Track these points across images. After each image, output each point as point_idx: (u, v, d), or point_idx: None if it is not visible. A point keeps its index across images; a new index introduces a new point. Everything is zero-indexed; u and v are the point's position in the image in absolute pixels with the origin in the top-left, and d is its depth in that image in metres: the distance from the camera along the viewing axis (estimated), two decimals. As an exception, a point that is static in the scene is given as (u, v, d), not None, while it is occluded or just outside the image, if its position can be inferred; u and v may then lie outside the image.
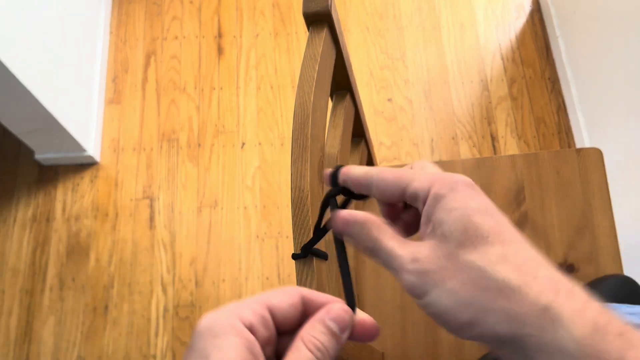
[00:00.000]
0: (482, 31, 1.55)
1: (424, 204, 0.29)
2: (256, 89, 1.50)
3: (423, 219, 0.29)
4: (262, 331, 0.27)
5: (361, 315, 0.30)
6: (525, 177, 0.79)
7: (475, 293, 0.26)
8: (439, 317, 0.27)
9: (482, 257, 0.26)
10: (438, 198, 0.28)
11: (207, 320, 0.26)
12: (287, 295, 0.29)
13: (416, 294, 0.27)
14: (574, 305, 0.24)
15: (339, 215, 0.31)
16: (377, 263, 0.30)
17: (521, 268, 0.25)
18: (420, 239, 0.30)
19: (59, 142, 1.32)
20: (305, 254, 0.40)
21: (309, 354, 0.27)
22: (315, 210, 0.42)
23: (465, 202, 0.28)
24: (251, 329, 0.26)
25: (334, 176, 0.33)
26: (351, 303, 0.30)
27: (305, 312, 0.29)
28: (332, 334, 0.28)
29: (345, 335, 0.29)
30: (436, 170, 0.32)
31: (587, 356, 0.23)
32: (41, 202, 1.38)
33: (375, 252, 0.30)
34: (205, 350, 0.25)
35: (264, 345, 0.27)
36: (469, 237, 0.27)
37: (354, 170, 0.32)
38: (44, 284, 1.30)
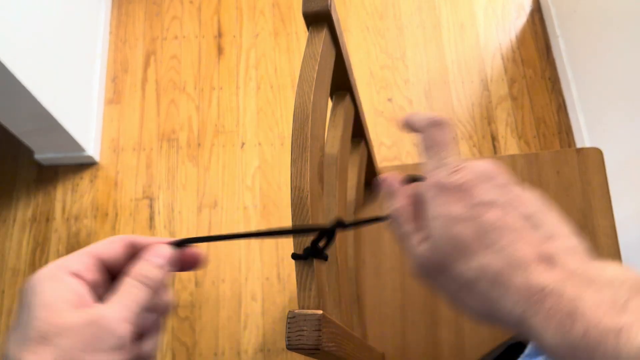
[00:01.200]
0: (482, 31, 1.55)
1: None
2: (256, 89, 1.50)
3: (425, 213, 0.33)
4: (89, 275, 0.30)
5: (190, 250, 0.35)
6: (525, 177, 0.79)
7: (463, 296, 0.29)
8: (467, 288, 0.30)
9: (466, 270, 0.28)
10: (425, 201, 0.31)
11: (31, 277, 0.30)
12: (113, 242, 0.33)
13: (429, 274, 0.31)
14: (545, 312, 0.25)
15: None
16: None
17: (496, 280, 0.27)
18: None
19: (59, 142, 1.32)
20: (307, 255, 0.40)
21: (132, 281, 0.31)
22: (315, 210, 0.42)
23: (446, 209, 0.29)
24: (78, 274, 0.30)
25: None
26: (177, 243, 0.34)
27: (136, 254, 0.33)
28: (154, 265, 0.32)
29: (164, 267, 0.33)
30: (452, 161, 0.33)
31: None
32: (41, 202, 1.38)
33: (404, 222, 0.33)
34: (27, 300, 0.29)
35: (95, 287, 0.31)
36: (453, 249, 0.29)
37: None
38: (43, 284, 1.30)
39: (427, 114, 0.33)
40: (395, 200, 0.34)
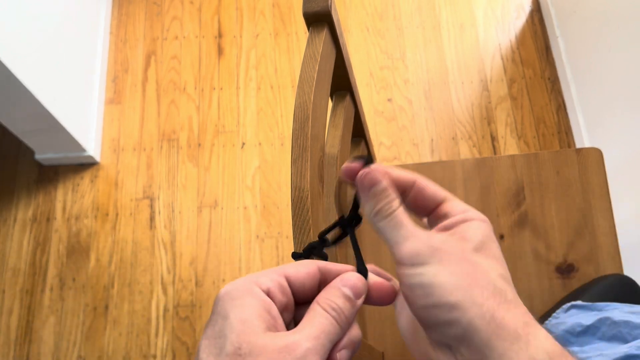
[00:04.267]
0: (482, 31, 1.55)
1: (449, 219, 0.31)
2: (256, 89, 1.50)
3: (440, 227, 0.31)
4: (279, 296, 0.29)
5: (376, 279, 0.32)
6: (525, 177, 0.79)
7: (473, 285, 0.27)
8: (424, 288, 0.27)
9: (490, 266, 0.28)
10: (468, 219, 0.31)
11: (227, 287, 0.28)
12: (304, 265, 0.30)
13: (416, 260, 0.28)
14: (547, 333, 0.27)
15: (381, 167, 0.32)
16: (378, 228, 0.31)
17: (514, 293, 0.28)
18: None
19: (59, 142, 1.32)
20: (307, 255, 0.40)
21: (325, 314, 0.28)
22: (315, 210, 0.42)
23: (489, 232, 0.30)
24: (268, 294, 0.28)
25: (367, 163, 0.33)
26: (362, 271, 0.31)
27: (322, 282, 0.31)
28: (347, 298, 0.29)
29: (360, 301, 0.30)
30: None
31: None
32: (41, 202, 1.38)
33: (388, 215, 0.31)
34: (224, 311, 0.27)
35: (281, 310, 0.29)
36: (484, 248, 0.29)
37: (395, 170, 0.33)
38: (44, 283, 1.30)
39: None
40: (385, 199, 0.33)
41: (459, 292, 0.27)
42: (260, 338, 0.26)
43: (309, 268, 0.30)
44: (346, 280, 0.30)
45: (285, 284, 0.29)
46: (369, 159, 0.32)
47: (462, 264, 0.28)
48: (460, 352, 0.27)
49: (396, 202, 0.31)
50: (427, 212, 0.33)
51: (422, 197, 0.32)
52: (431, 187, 0.32)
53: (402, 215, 0.31)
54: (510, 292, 0.28)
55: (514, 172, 0.79)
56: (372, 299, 0.32)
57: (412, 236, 0.30)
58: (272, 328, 0.27)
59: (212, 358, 0.26)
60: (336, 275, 0.31)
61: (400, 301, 0.32)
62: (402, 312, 0.33)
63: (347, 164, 0.32)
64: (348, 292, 0.30)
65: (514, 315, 0.27)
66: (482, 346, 0.26)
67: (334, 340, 0.28)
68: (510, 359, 0.25)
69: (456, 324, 0.26)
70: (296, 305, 0.30)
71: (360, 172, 0.32)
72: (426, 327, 0.28)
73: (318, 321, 0.28)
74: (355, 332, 0.30)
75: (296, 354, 0.26)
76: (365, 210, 0.32)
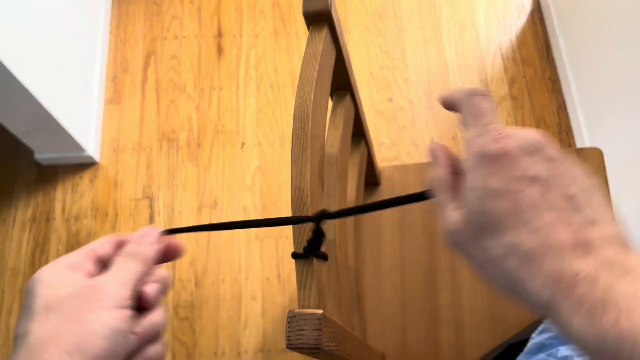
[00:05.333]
0: (482, 31, 1.55)
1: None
2: (256, 89, 1.50)
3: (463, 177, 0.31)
4: (85, 267, 0.34)
5: (171, 241, 0.38)
6: (525, 177, 0.78)
7: (488, 266, 0.28)
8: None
9: (496, 246, 0.27)
10: (465, 170, 0.30)
11: (33, 276, 0.33)
12: (105, 239, 0.36)
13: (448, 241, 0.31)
14: (575, 298, 0.24)
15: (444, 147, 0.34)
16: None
17: (527, 260, 0.26)
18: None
19: (59, 142, 1.32)
20: (307, 254, 0.40)
21: (123, 258, 0.34)
22: (315, 210, 0.42)
23: (484, 181, 0.28)
24: (75, 266, 0.33)
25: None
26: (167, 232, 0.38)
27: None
28: (138, 242, 0.36)
29: (151, 242, 0.36)
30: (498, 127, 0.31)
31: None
32: (41, 202, 1.38)
33: (442, 190, 0.32)
34: (31, 290, 0.32)
35: (91, 276, 0.33)
36: (486, 223, 0.28)
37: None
38: (43, 284, 1.30)
39: (465, 88, 0.32)
40: (437, 169, 0.33)
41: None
42: (67, 290, 0.31)
43: (111, 240, 0.36)
44: (139, 232, 0.37)
45: (90, 256, 0.35)
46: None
47: (475, 250, 0.30)
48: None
49: (448, 178, 0.33)
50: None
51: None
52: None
53: (446, 192, 0.33)
54: (520, 266, 0.27)
55: (514, 172, 0.79)
56: (165, 255, 0.38)
57: (446, 220, 0.32)
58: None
59: (24, 323, 0.30)
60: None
61: None
62: None
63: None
64: (142, 239, 0.36)
65: (531, 294, 0.27)
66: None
67: (139, 275, 0.34)
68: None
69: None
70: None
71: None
72: None
73: (117, 264, 0.34)
74: (162, 271, 0.36)
75: (101, 286, 0.32)
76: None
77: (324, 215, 0.40)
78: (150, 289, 0.34)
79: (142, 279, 0.34)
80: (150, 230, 0.37)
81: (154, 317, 0.34)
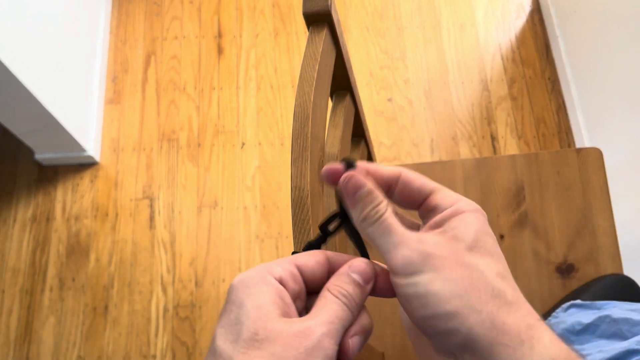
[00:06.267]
0: (482, 31, 1.55)
1: (440, 214, 0.30)
2: (256, 89, 1.50)
3: (431, 224, 0.30)
4: (291, 284, 0.29)
5: (382, 266, 0.31)
6: (525, 177, 0.79)
7: (470, 290, 0.26)
8: (420, 299, 0.27)
9: (487, 265, 0.27)
10: (459, 212, 0.29)
11: (240, 276, 0.29)
12: (313, 255, 0.31)
13: (408, 270, 0.27)
14: (553, 335, 0.26)
15: (364, 166, 0.31)
16: (367, 233, 0.30)
17: (515, 290, 0.27)
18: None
19: (59, 142, 1.32)
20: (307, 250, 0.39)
21: (336, 299, 0.28)
22: (315, 210, 0.42)
23: (482, 224, 0.29)
24: (281, 282, 0.28)
25: (349, 166, 0.31)
26: (366, 257, 0.31)
27: (330, 271, 0.31)
28: (356, 284, 0.29)
29: (369, 286, 0.30)
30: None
31: None
32: (41, 202, 1.38)
33: (376, 220, 0.30)
34: (239, 299, 0.27)
35: (294, 298, 0.29)
36: (478, 246, 0.28)
37: (378, 167, 0.31)
38: (44, 284, 1.30)
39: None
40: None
41: (456, 300, 0.26)
42: (276, 324, 0.26)
43: (318, 257, 0.31)
44: (355, 267, 0.30)
45: (297, 272, 0.30)
46: (350, 162, 0.31)
47: (457, 268, 0.27)
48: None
49: (383, 205, 0.30)
50: (416, 206, 0.31)
51: (409, 190, 0.31)
52: (418, 180, 0.31)
53: (390, 218, 0.29)
54: (511, 291, 0.27)
55: (514, 172, 0.79)
56: (378, 287, 0.31)
57: (401, 243, 0.28)
58: (286, 315, 0.27)
59: (229, 344, 0.26)
60: (343, 263, 0.31)
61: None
62: (405, 318, 0.32)
63: (327, 167, 0.31)
64: (357, 277, 0.29)
65: (516, 318, 0.26)
66: (485, 353, 0.25)
67: (346, 325, 0.28)
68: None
69: (456, 333, 0.26)
70: (307, 294, 0.30)
71: (343, 177, 0.30)
72: (428, 336, 0.28)
73: (330, 307, 0.28)
74: (365, 319, 0.30)
75: (312, 338, 0.26)
76: (352, 215, 0.31)
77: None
78: (354, 342, 0.29)
79: (347, 327, 0.29)
80: (366, 267, 0.30)
81: None
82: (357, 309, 0.29)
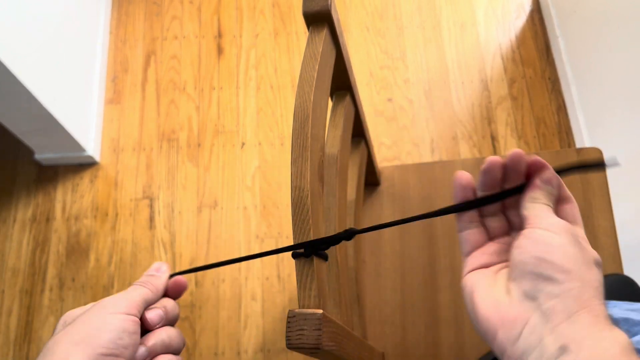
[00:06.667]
0: (482, 31, 1.55)
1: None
2: (256, 89, 1.50)
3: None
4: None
5: (179, 279, 0.46)
6: (525, 177, 0.78)
7: (584, 269, 0.32)
8: (551, 246, 0.32)
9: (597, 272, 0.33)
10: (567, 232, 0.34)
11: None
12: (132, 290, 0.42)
13: (552, 228, 0.34)
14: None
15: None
16: (536, 203, 0.35)
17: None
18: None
19: (59, 142, 1.32)
20: (309, 253, 0.40)
21: (133, 286, 0.41)
22: (315, 210, 0.42)
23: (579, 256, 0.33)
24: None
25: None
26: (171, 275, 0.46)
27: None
28: (150, 275, 0.44)
29: (164, 275, 0.44)
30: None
31: None
32: (41, 202, 1.38)
33: (551, 201, 0.36)
34: (56, 327, 0.38)
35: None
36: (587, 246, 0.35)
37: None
38: (43, 284, 1.30)
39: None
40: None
41: (575, 266, 0.31)
42: (80, 311, 0.38)
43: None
44: (151, 267, 0.43)
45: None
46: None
47: (579, 253, 0.32)
48: (540, 303, 0.30)
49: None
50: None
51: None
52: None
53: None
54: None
55: (514, 172, 0.79)
56: (172, 287, 0.44)
57: (553, 216, 0.34)
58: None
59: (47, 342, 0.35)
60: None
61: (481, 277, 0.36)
62: (485, 282, 0.35)
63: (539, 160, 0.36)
64: (151, 271, 0.43)
65: (600, 307, 0.30)
66: (570, 310, 0.29)
67: (146, 298, 0.39)
68: (592, 334, 0.28)
69: (557, 284, 0.30)
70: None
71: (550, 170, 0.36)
72: (523, 275, 0.31)
73: (130, 289, 0.40)
74: (168, 301, 0.42)
75: (111, 300, 0.37)
76: (541, 190, 0.35)
77: (353, 232, 0.42)
78: (152, 313, 0.39)
79: (149, 302, 0.40)
80: (159, 265, 0.44)
81: (164, 333, 0.39)
82: (156, 290, 0.41)
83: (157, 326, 0.39)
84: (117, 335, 0.35)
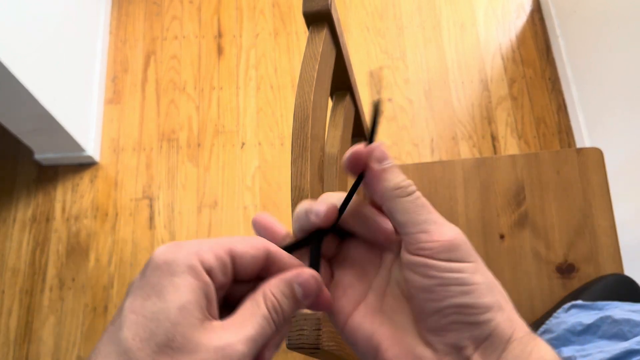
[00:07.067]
0: (482, 31, 1.55)
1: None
2: (256, 89, 1.50)
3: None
4: (220, 277, 0.26)
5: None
6: (525, 177, 0.79)
7: (496, 289, 0.28)
8: (462, 286, 0.26)
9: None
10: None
11: (166, 254, 0.24)
12: (253, 246, 0.27)
13: (454, 256, 0.27)
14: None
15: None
16: (397, 206, 0.28)
17: None
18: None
19: (59, 142, 1.32)
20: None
21: (265, 312, 0.26)
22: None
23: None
24: (210, 273, 0.25)
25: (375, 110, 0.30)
26: (316, 268, 0.28)
27: (267, 267, 0.27)
28: (294, 298, 0.27)
29: (306, 302, 0.28)
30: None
31: None
32: (41, 202, 1.38)
33: (412, 193, 0.28)
34: (159, 286, 0.24)
35: (217, 289, 0.26)
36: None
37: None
38: (43, 284, 1.30)
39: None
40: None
41: (490, 295, 0.26)
42: (196, 332, 0.23)
43: (257, 251, 0.27)
44: (303, 279, 0.27)
45: (229, 262, 0.26)
46: (377, 105, 0.30)
47: (484, 275, 0.27)
48: (468, 353, 0.26)
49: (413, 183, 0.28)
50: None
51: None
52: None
53: (424, 198, 0.28)
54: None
55: (514, 172, 0.79)
56: (319, 302, 0.29)
57: (445, 225, 0.27)
58: (208, 315, 0.25)
59: (139, 342, 0.23)
60: (283, 267, 0.28)
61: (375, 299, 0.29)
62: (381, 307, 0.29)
63: (355, 149, 0.29)
64: (299, 291, 0.27)
65: (521, 320, 0.27)
66: (500, 347, 0.26)
67: (266, 338, 0.26)
68: (524, 358, 0.25)
69: (486, 325, 0.26)
70: (233, 282, 0.27)
71: (373, 145, 0.29)
72: (442, 326, 0.26)
73: (256, 321, 0.25)
74: (286, 330, 0.28)
75: (230, 354, 0.24)
76: (383, 184, 0.28)
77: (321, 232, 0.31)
78: (269, 355, 0.27)
79: (268, 339, 0.26)
80: (310, 278, 0.27)
81: None
82: (284, 325, 0.27)
83: None
84: None
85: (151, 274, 0.24)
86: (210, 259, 0.25)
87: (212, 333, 0.24)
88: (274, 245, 0.28)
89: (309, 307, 0.29)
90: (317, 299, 0.28)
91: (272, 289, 0.26)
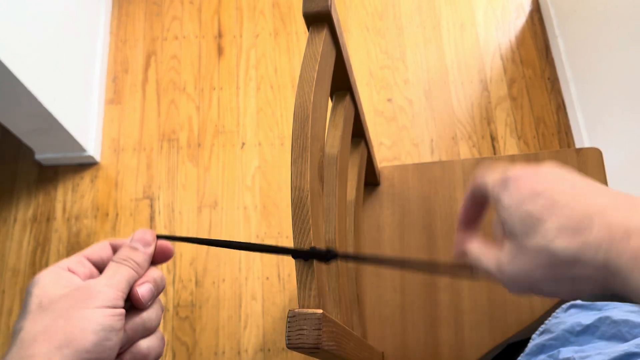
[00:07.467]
0: (482, 31, 1.55)
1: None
2: (256, 89, 1.50)
3: (497, 218, 0.34)
4: (80, 269, 0.37)
5: (161, 243, 0.40)
6: (525, 177, 0.78)
7: (546, 271, 0.29)
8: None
9: (543, 238, 0.29)
10: (497, 199, 0.34)
11: (37, 274, 0.35)
12: (98, 245, 0.39)
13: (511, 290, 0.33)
14: (632, 251, 0.25)
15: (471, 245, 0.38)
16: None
17: (576, 231, 0.27)
18: (501, 239, 0.34)
19: (59, 142, 1.32)
20: (307, 256, 0.40)
21: (115, 264, 0.36)
22: (315, 210, 0.42)
23: (516, 196, 0.32)
24: (69, 269, 0.36)
25: None
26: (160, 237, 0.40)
27: (116, 250, 0.39)
28: (134, 249, 0.38)
29: (150, 249, 0.38)
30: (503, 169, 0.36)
31: None
32: (41, 202, 1.38)
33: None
34: (31, 288, 0.34)
35: (86, 279, 0.36)
36: (527, 226, 0.30)
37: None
38: (44, 284, 1.30)
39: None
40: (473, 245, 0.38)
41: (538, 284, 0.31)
42: (59, 290, 0.34)
43: (102, 245, 0.39)
44: (135, 237, 0.39)
45: (85, 260, 0.37)
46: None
47: (532, 261, 0.31)
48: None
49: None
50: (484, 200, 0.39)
51: (479, 189, 0.39)
52: (479, 177, 0.40)
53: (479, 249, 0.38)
54: (569, 241, 0.30)
55: (513, 172, 0.79)
56: (156, 257, 0.40)
57: (493, 274, 0.34)
58: (78, 281, 0.35)
59: (19, 320, 0.32)
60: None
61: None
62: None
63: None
64: (135, 244, 0.38)
65: (587, 263, 0.29)
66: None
67: (131, 280, 0.36)
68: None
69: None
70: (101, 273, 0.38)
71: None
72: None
73: (111, 269, 0.36)
74: (155, 272, 0.38)
75: (92, 287, 0.34)
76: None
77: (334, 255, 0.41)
78: (142, 289, 0.37)
79: (133, 281, 0.36)
80: (144, 235, 0.39)
81: (145, 314, 0.36)
82: (141, 267, 0.37)
83: (149, 303, 0.37)
84: (104, 337, 0.32)
85: (27, 288, 0.35)
86: (66, 262, 0.37)
87: (74, 284, 0.35)
88: (115, 239, 0.40)
89: (156, 261, 0.40)
90: (159, 250, 0.40)
91: (116, 254, 0.38)
